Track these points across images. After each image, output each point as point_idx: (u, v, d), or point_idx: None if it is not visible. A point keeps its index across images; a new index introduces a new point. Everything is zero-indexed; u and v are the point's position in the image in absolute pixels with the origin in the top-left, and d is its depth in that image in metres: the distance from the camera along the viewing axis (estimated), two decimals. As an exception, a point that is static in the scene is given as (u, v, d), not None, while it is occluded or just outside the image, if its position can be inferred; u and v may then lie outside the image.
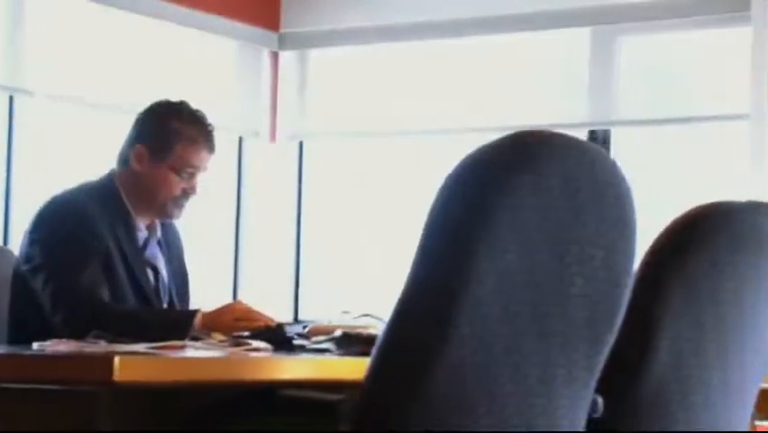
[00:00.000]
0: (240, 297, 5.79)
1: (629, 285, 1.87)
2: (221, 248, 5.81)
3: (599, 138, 5.61)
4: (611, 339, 1.87)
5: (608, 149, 5.60)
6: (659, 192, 5.51)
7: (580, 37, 5.53)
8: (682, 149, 5.56)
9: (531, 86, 5.60)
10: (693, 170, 5.48)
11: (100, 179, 3.07)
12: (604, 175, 1.79)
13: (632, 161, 5.64)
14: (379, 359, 1.67)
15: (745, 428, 2.23)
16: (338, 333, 2.09)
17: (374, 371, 1.66)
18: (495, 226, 1.68)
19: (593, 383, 1.88)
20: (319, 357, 2.04)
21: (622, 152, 5.58)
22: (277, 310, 5.55)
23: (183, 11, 5.39)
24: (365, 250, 5.74)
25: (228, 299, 5.60)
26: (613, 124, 5.57)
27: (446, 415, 1.69)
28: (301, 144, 5.95)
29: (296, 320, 5.81)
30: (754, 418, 2.37)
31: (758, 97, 5.05)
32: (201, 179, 3.13)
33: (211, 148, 3.08)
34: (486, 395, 1.73)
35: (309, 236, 5.94)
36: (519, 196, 1.69)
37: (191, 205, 3.14)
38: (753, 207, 2.12)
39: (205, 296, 3.61)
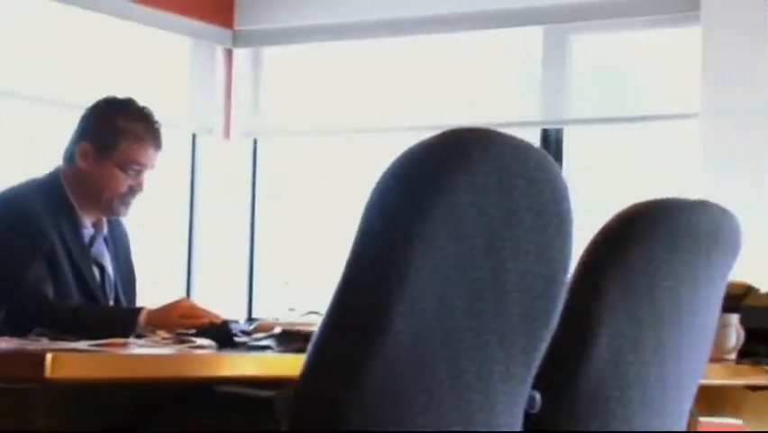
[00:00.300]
0: (194, 295, 5.78)
1: (566, 281, 1.88)
2: (174, 246, 5.79)
3: (552, 137, 5.64)
4: (548, 335, 1.88)
5: (560, 147, 5.63)
6: (611, 190, 5.55)
7: (533, 36, 5.55)
8: (635, 147, 5.60)
9: (484, 84, 5.62)
10: (646, 168, 5.52)
11: (45, 175, 3.06)
12: (540, 172, 1.80)
13: (585, 160, 5.68)
14: (315, 354, 1.67)
15: (683, 423, 2.25)
16: (278, 330, 2.10)
17: (309, 366, 1.67)
18: (430, 223, 1.69)
19: (530, 379, 1.89)
20: (259, 354, 2.04)
21: (575, 151, 5.62)
22: (231, 308, 5.55)
23: (136, 8, 5.37)
24: (319, 248, 5.74)
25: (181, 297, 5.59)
26: (566, 122, 5.60)
27: (382, 410, 1.69)
28: (255, 142, 5.95)
29: (249, 318, 5.80)
30: (693, 414, 2.39)
31: (708, 97, 5.10)
32: (149, 177, 3.11)
33: (158, 145, 3.07)
34: (423, 391, 1.74)
35: (263, 234, 5.93)
36: (455, 193, 1.70)
37: (145, 202, 3.13)
38: (689, 205, 2.14)
39: (159, 294, 3.60)
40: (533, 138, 5.78)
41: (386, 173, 1.70)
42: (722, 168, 5.05)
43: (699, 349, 2.26)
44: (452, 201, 1.70)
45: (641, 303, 2.09)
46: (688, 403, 2.27)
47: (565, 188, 1.84)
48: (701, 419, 4.11)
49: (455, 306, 1.75)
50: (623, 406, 2.11)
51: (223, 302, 5.62)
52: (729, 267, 2.25)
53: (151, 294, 3.38)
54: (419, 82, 5.66)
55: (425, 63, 5.68)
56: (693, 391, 2.28)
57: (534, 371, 1.89)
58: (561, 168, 5.66)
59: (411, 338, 1.70)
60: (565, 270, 1.87)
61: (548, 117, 5.60)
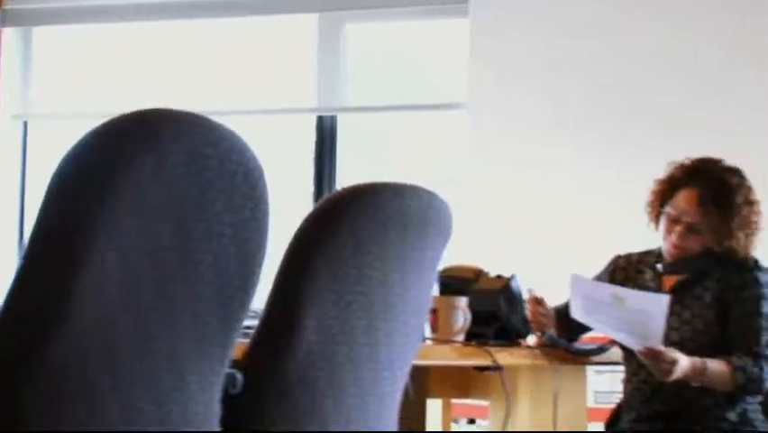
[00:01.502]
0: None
1: (262, 263, 1.90)
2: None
3: (327, 124, 5.68)
4: (244, 316, 1.90)
5: (334, 134, 5.68)
6: (384, 178, 5.62)
7: (308, 23, 5.59)
8: (407, 135, 5.69)
9: (259, 70, 5.63)
10: (418, 156, 5.62)
11: None
12: (232, 154, 1.81)
13: (358, 148, 5.75)
14: (-7, 336, 1.65)
15: (396, 402, 2.30)
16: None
17: (-13, 349, 1.64)
18: (114, 204, 1.68)
19: (227, 360, 1.90)
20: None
21: (348, 138, 5.68)
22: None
23: None
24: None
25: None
26: (340, 110, 5.66)
27: (66, 396, 1.68)
28: (25, 125, 5.81)
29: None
30: (410, 394, 2.44)
31: (475, 87, 5.23)
32: None
33: None
34: (109, 372, 1.73)
35: (33, 220, 5.79)
36: (141, 173, 1.70)
37: None
38: (399, 189, 2.19)
39: None
40: (308, 125, 5.84)
41: (69, 153, 1.69)
42: (487, 157, 5.18)
43: (412, 331, 2.31)
44: (137, 182, 1.70)
45: (350, 285, 2.13)
46: (401, 383, 2.32)
47: (260, 171, 1.85)
48: (454, 400, 4.22)
49: (143, 287, 1.74)
50: (333, 386, 2.14)
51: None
52: (441, 251, 2.31)
53: None
54: (195, 66, 5.62)
55: (201, 48, 5.65)
56: (407, 371, 2.33)
57: (231, 350, 1.90)
58: (335, 155, 5.68)
59: (96, 321, 1.69)
60: (261, 251, 1.89)
61: (323, 105, 5.65)
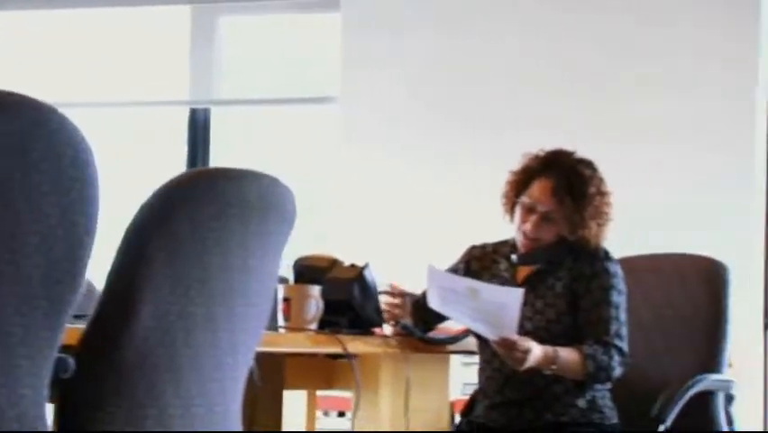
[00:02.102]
0: None
1: (91, 247, 1.89)
2: None
3: (200, 117, 5.65)
4: (74, 299, 1.89)
5: (208, 127, 5.66)
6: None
7: (181, 15, 5.55)
8: (280, 128, 5.70)
9: (131, 62, 5.58)
10: (290, 149, 5.62)
11: None
12: (60, 136, 1.80)
13: (231, 140, 5.73)
14: None
15: (239, 388, 2.30)
16: None
17: None
18: (-66, 183, 1.66)
19: (57, 343, 1.89)
20: None
21: (221, 131, 5.66)
22: None
23: None
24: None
25: None
26: (213, 103, 5.64)
27: None
28: None
29: None
30: (257, 380, 2.44)
31: (347, 81, 5.24)
32: None
33: None
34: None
35: None
36: (-38, 153, 1.68)
37: None
38: (237, 174, 2.19)
39: None
40: (180, 117, 5.80)
41: None
42: (359, 150, 5.20)
43: (256, 317, 2.31)
44: (-41, 162, 1.68)
45: (189, 271, 2.12)
46: (245, 369, 2.32)
47: (89, 154, 1.84)
48: (320, 392, 4.22)
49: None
50: (172, 372, 2.14)
51: None
52: (285, 236, 2.31)
53: None
54: (66, 57, 5.55)
55: (73, 38, 5.58)
56: (251, 357, 2.33)
57: (61, 334, 1.89)
58: (209, 147, 5.62)
59: None
60: (90, 235, 1.87)
61: (196, 97, 5.62)
